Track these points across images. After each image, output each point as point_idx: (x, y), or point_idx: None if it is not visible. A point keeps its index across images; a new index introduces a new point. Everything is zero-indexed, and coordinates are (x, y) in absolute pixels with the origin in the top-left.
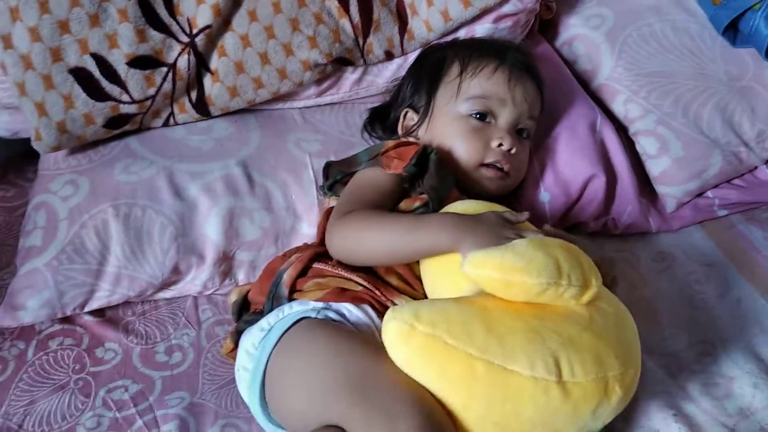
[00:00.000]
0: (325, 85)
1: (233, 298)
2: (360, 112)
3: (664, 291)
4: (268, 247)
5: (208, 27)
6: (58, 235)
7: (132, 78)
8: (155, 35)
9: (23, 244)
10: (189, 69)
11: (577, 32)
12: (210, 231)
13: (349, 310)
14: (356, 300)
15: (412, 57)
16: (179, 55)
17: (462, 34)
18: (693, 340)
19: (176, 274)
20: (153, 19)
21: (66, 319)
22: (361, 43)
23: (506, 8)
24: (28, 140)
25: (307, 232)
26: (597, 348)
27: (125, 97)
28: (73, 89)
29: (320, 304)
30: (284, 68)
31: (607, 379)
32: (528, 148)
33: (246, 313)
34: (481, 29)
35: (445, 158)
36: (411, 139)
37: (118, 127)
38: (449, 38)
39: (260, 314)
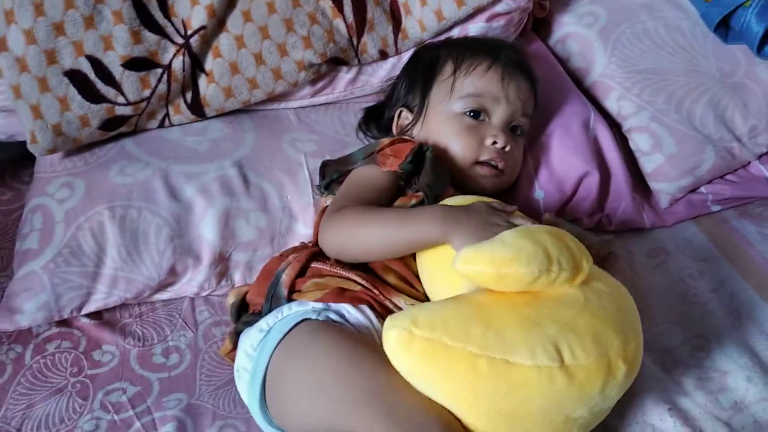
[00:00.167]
0: (319, 85)
1: (231, 299)
2: (355, 112)
3: (658, 286)
4: (264, 247)
5: (202, 28)
6: (55, 237)
7: (127, 79)
8: (150, 37)
9: (20, 247)
10: (184, 70)
11: (570, 30)
12: (206, 232)
13: (348, 311)
14: (355, 300)
15: (406, 56)
16: (174, 56)
17: (455, 33)
18: (687, 334)
19: (173, 275)
20: (148, 21)
21: (63, 322)
22: (355, 42)
23: (499, 7)
24: (23, 143)
25: (303, 232)
26: (595, 327)
27: (120, 99)
28: (68, 91)
29: (320, 305)
30: (279, 68)
31: (609, 357)
32: (522, 146)
33: (245, 314)
34: (475, 28)
35: (440, 156)
36: (407, 138)
37: (114, 128)
38: (443, 37)
39: (259, 315)
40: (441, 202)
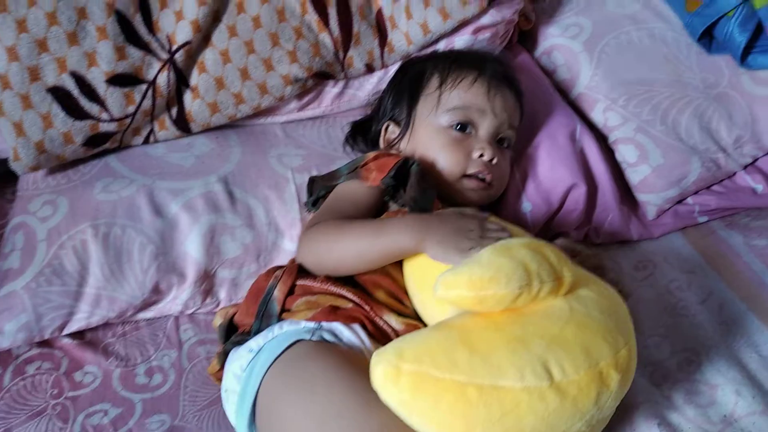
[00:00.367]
0: (306, 99)
1: (218, 321)
2: (342, 126)
3: (646, 299)
4: (250, 264)
5: (187, 43)
6: (37, 256)
7: (111, 96)
8: (134, 53)
9: (1, 266)
10: (169, 86)
11: (555, 42)
12: (191, 249)
13: (341, 330)
14: (348, 319)
15: (392, 70)
16: (159, 72)
17: (441, 46)
18: (676, 348)
19: (157, 293)
20: (132, 37)
21: (44, 343)
22: (341, 56)
23: (485, 20)
24: (5, 161)
25: (289, 248)
26: (582, 339)
27: (104, 116)
28: (51, 108)
29: (312, 324)
30: (265, 83)
31: (601, 367)
32: (509, 158)
33: (234, 335)
34: (461, 41)
35: (428, 170)
36: (393, 152)
37: (98, 145)
38: (429, 50)
39: (248, 335)
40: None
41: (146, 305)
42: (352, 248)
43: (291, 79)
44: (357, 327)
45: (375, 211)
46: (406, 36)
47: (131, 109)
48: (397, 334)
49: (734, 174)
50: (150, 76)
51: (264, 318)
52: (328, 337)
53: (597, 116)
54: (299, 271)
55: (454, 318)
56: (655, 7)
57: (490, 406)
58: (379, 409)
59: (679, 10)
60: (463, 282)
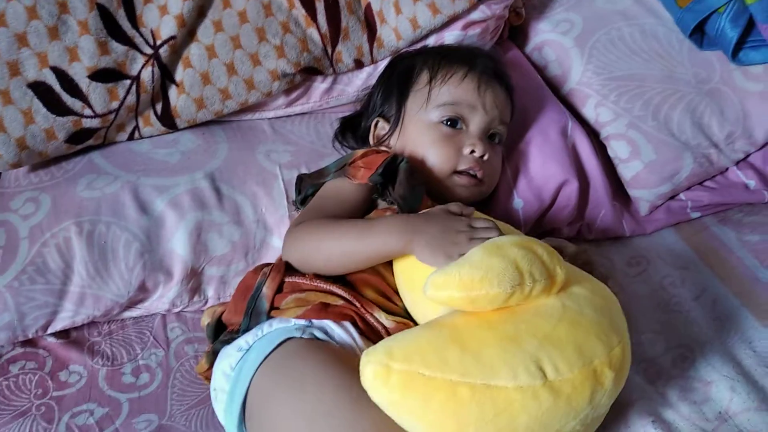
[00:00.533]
0: (294, 95)
1: (206, 320)
2: (331, 122)
3: (639, 295)
4: (239, 261)
5: (172, 38)
6: (19, 254)
7: (94, 91)
8: (118, 47)
9: None
10: (153, 81)
11: (546, 38)
12: (177, 246)
13: (332, 328)
14: (339, 317)
15: (382, 65)
16: (143, 67)
17: (431, 41)
18: (670, 344)
19: (143, 291)
20: (115, 31)
21: (28, 342)
22: (329, 51)
23: (474, 15)
24: None
25: (278, 246)
26: (576, 337)
27: (87, 111)
28: (32, 104)
29: (302, 322)
30: (252, 78)
31: (595, 366)
32: (500, 154)
33: (222, 334)
34: (451, 36)
35: (418, 167)
36: (383, 148)
37: (81, 141)
38: (419, 46)
39: (237, 333)
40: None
41: (132, 303)
42: (339, 248)
43: (278, 74)
44: (348, 324)
45: (363, 208)
46: (395, 31)
47: (115, 104)
48: (388, 332)
49: (726, 170)
50: (134, 72)
51: (253, 316)
52: (318, 334)
53: (588, 112)
54: (288, 268)
55: (445, 317)
56: (646, 3)
57: (483, 405)
58: (371, 407)
59: (670, 6)
60: (453, 282)
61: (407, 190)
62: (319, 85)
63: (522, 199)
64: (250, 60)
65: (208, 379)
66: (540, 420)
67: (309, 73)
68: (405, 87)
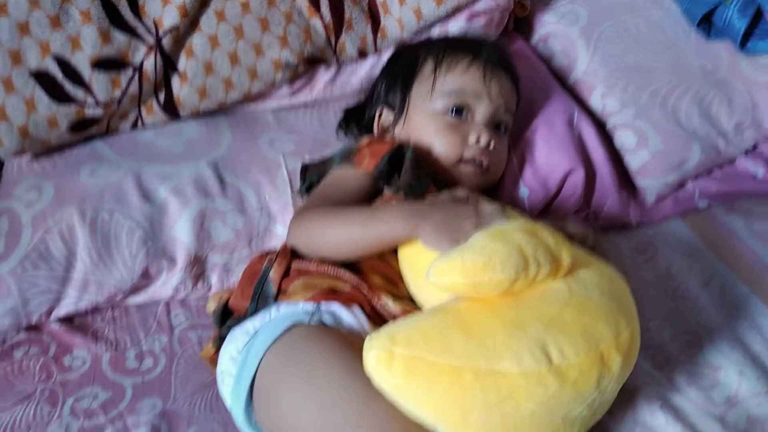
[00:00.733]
0: (297, 85)
1: (212, 306)
2: (335, 112)
3: (646, 283)
4: (242, 249)
5: (175, 28)
6: (22, 241)
7: (97, 80)
8: (120, 37)
9: None
10: (156, 71)
11: (551, 29)
12: (180, 234)
13: (340, 312)
14: (347, 301)
15: (385, 56)
16: (145, 56)
17: (435, 32)
18: (678, 330)
19: (146, 278)
20: (117, 21)
21: (32, 328)
22: (333, 42)
23: (479, 6)
24: None
25: (281, 233)
26: (582, 321)
27: (90, 100)
28: (35, 93)
29: (310, 306)
30: (255, 68)
31: (602, 350)
32: (506, 144)
33: (229, 319)
34: (455, 27)
35: (423, 156)
36: (387, 138)
37: (84, 130)
38: (423, 37)
39: (244, 319)
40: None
41: (136, 290)
42: (345, 234)
43: (281, 64)
44: (356, 309)
45: (368, 197)
46: (399, 22)
47: (117, 93)
48: (395, 318)
49: (735, 159)
50: (136, 61)
51: (260, 300)
52: (327, 319)
53: (595, 102)
54: (294, 253)
55: (448, 303)
56: None
57: (487, 391)
58: (382, 394)
59: None
60: (456, 269)
61: (413, 179)
62: (323, 76)
63: (527, 188)
64: (253, 50)
65: (214, 364)
66: (546, 405)
67: (312, 63)
68: (409, 76)
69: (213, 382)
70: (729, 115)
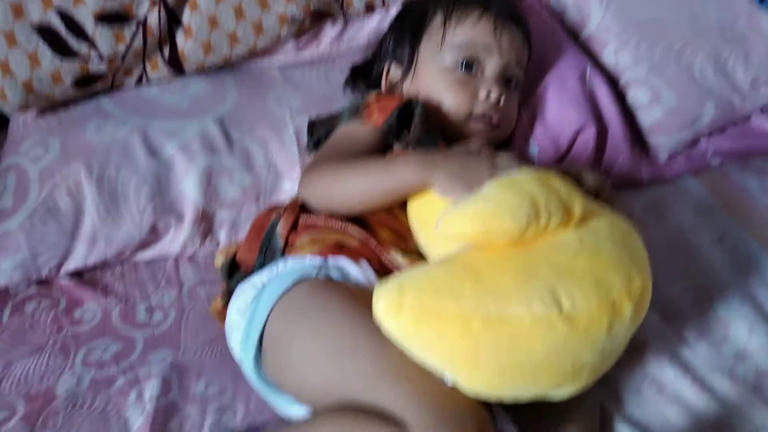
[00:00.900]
0: (304, 40)
1: (220, 260)
2: (342, 69)
3: (657, 240)
4: (250, 206)
5: None
6: (29, 196)
7: (100, 35)
8: None
9: None
10: (160, 24)
11: None
12: (188, 190)
13: (348, 266)
14: (355, 255)
15: (393, 10)
16: (149, 10)
17: None
18: (688, 286)
19: (154, 234)
20: None
21: (42, 282)
22: None
23: None
24: None
25: (289, 190)
26: (594, 269)
27: (94, 55)
28: (38, 47)
29: (317, 260)
30: (260, 22)
31: (613, 297)
32: (517, 99)
33: (237, 273)
34: None
35: (432, 112)
36: (395, 94)
37: (88, 86)
38: None
39: (252, 273)
40: None
41: (144, 246)
42: (358, 186)
43: (287, 18)
44: (364, 263)
45: (377, 152)
46: None
47: (121, 48)
48: None
49: (750, 116)
50: (140, 15)
51: (267, 254)
52: (334, 274)
53: (608, 58)
54: (302, 208)
55: (458, 252)
56: None
57: (497, 336)
58: (393, 343)
59: None
60: (466, 217)
61: (422, 134)
62: (330, 31)
63: (538, 146)
64: (257, 3)
65: (222, 318)
66: (556, 351)
67: (318, 17)
68: (418, 30)
69: (222, 336)
70: (745, 71)
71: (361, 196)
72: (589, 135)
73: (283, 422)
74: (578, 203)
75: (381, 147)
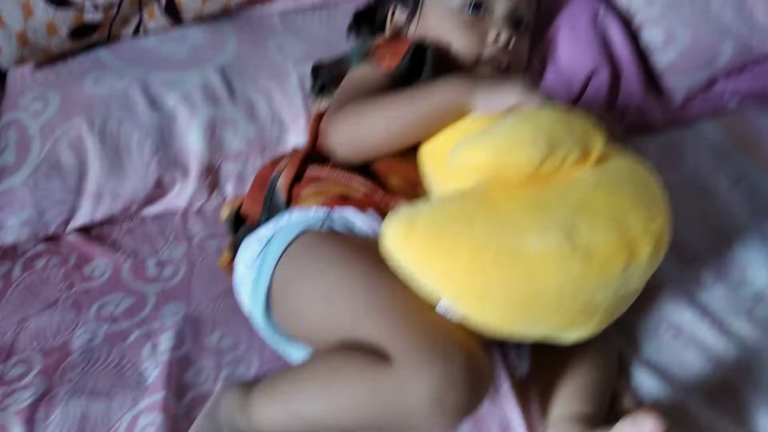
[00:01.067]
0: None
1: (225, 213)
2: (344, 14)
3: (673, 183)
4: (255, 157)
5: None
6: (32, 152)
7: None
8: None
9: None
10: None
11: None
12: (192, 142)
13: (353, 217)
14: (361, 205)
15: None
16: None
17: None
18: (705, 229)
19: (160, 188)
20: None
21: (50, 239)
22: None
23: None
24: None
25: (294, 141)
26: (612, 205)
27: (88, 3)
28: None
29: (322, 212)
30: None
31: (631, 234)
32: (527, 42)
33: (242, 226)
34: None
35: (440, 56)
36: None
37: (84, 37)
38: None
39: (257, 226)
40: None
41: (150, 200)
42: (397, 117)
43: None
44: (371, 212)
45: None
46: None
47: None
48: None
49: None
50: None
51: (271, 207)
52: (338, 226)
53: None
54: (304, 159)
55: (473, 187)
56: None
57: (509, 269)
58: (389, 275)
59: None
60: (482, 150)
61: (434, 77)
62: None
63: (550, 90)
64: None
65: (231, 272)
66: (568, 286)
67: None
68: None
69: (232, 290)
70: (765, 10)
71: (400, 129)
72: (603, 77)
73: None
74: (599, 140)
75: (392, 90)
